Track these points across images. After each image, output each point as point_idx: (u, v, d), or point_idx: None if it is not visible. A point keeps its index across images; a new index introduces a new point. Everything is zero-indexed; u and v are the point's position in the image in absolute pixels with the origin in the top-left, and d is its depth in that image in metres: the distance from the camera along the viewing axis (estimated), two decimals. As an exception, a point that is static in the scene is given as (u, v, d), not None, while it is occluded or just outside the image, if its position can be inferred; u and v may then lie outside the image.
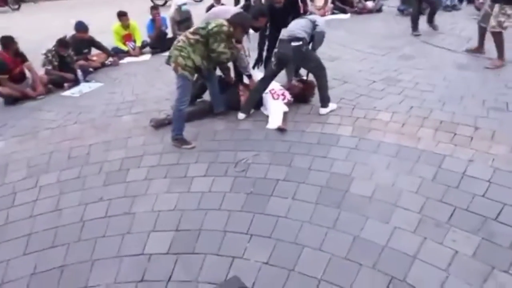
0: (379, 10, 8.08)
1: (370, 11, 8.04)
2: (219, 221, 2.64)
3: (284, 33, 3.67)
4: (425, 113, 3.60)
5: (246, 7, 5.87)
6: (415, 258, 2.18)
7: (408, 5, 7.50)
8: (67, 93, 5.09)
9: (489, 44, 4.86)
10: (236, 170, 3.13)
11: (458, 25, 6.25)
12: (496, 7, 4.42)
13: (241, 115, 3.86)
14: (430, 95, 3.95)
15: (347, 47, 5.77)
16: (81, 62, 5.69)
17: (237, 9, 4.42)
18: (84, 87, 5.22)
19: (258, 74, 4.17)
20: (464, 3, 7.69)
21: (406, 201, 2.59)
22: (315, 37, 3.68)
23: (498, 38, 4.51)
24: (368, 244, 2.31)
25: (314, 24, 3.67)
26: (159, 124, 3.85)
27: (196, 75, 3.66)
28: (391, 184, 2.76)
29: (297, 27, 3.62)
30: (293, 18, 3.94)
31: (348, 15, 8.06)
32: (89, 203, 2.94)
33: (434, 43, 5.69)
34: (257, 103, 3.95)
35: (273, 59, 3.76)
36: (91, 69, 5.78)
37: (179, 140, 3.50)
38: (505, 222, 2.29)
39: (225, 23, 3.42)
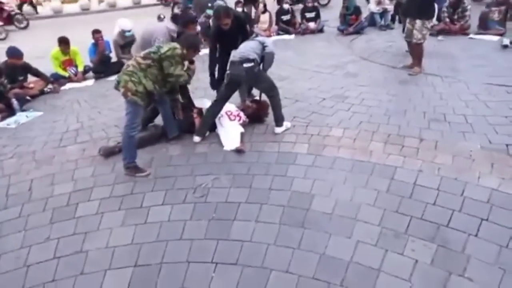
0: (321, 30, 8.50)
1: (312, 32, 8.42)
2: (181, 252, 2.52)
3: (235, 55, 3.69)
4: (373, 127, 3.79)
5: (174, 17, 5.93)
6: (379, 271, 2.23)
7: (346, 25, 8.00)
8: (1, 124, 4.65)
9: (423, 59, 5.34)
10: (195, 196, 3.03)
11: (395, 43, 6.75)
12: (418, 22, 4.99)
13: (196, 138, 3.79)
14: (376, 110, 4.18)
15: (294, 66, 5.96)
16: (16, 90, 5.26)
17: (164, 25, 4.38)
18: (20, 117, 4.82)
19: (206, 101, 4.15)
20: (397, 22, 8.35)
21: (365, 214, 2.66)
22: (265, 57, 3.75)
23: (420, 49, 5.19)
24: (334, 261, 2.34)
25: (263, 45, 3.75)
26: (108, 153, 3.64)
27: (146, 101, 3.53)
28: (350, 198, 2.83)
29: (247, 48, 3.67)
30: (242, 40, 3.99)
31: (292, 36, 8.38)
32: (33, 244, 2.66)
33: (374, 60, 6.08)
34: (212, 125, 3.91)
35: (225, 81, 3.76)
36: (28, 98, 5.35)
37: (132, 168, 3.33)
38: (456, 227, 2.44)
39: (177, 45, 3.38)
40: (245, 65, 3.52)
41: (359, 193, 2.86)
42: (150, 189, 3.15)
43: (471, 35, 6.95)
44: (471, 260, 2.21)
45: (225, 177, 3.21)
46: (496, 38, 6.53)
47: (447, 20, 7.17)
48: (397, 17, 8.33)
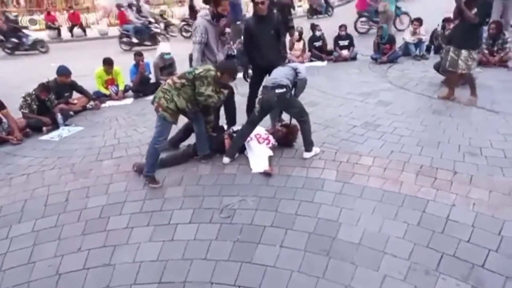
0: (354, 58, 8.51)
1: (345, 59, 8.46)
2: (205, 271, 2.55)
3: (268, 81, 3.79)
4: (405, 157, 3.71)
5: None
6: (408, 308, 2.14)
7: (380, 54, 7.99)
8: (45, 137, 4.96)
9: (457, 90, 5.22)
10: (222, 216, 3.07)
11: (428, 73, 6.64)
12: (464, 52, 4.88)
13: (226, 160, 3.86)
14: (409, 139, 4.10)
15: (326, 93, 5.99)
16: (62, 105, 5.62)
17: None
18: (63, 131, 5.12)
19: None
20: (432, 52, 8.24)
21: (394, 247, 2.58)
22: (298, 84, 3.83)
23: (470, 78, 5.06)
24: (360, 294, 2.27)
25: (296, 72, 3.83)
26: (142, 169, 3.76)
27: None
28: (378, 229, 2.76)
29: (280, 74, 3.76)
30: (278, 40, 4.23)
31: (325, 63, 8.44)
32: (66, 254, 2.78)
33: (408, 89, 6.00)
34: (241, 147, 3.97)
35: (257, 105, 3.84)
36: (71, 113, 5.70)
37: (148, 178, 3.52)
38: (492, 269, 2.32)
39: (212, 68, 3.55)
40: (277, 90, 3.60)
41: (388, 225, 2.79)
42: (178, 207, 3.22)
43: (510, 67, 6.74)
44: (508, 305, 2.09)
45: (252, 199, 3.23)
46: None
47: (486, 51, 7.00)
48: (432, 48, 8.23)
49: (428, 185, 3.20)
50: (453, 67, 5.07)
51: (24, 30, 13.92)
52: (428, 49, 8.24)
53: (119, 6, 14.41)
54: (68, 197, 3.44)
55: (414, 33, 8.15)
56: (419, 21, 8.25)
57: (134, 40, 11.89)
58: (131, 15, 12.98)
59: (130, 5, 13.46)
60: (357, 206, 3.03)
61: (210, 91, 3.47)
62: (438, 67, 6.25)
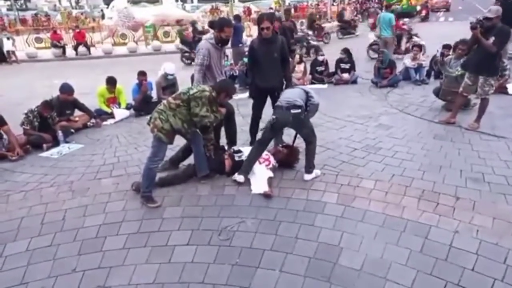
0: (354, 81, 8.61)
1: (346, 82, 8.55)
2: (202, 296, 2.47)
3: (281, 100, 3.79)
4: (406, 181, 3.68)
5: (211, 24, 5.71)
6: None
7: (380, 78, 8.09)
8: (45, 154, 4.94)
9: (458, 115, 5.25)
10: (220, 238, 3.02)
11: (429, 98, 6.69)
12: (481, 78, 4.90)
13: (240, 177, 3.77)
14: (410, 163, 4.08)
15: (326, 115, 6.01)
16: (63, 123, 5.63)
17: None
18: (63, 148, 5.11)
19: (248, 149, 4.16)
20: (432, 78, 8.34)
21: (397, 274, 2.53)
22: (310, 108, 3.85)
23: (484, 104, 5.03)
24: (362, 323, 2.20)
25: (308, 95, 3.85)
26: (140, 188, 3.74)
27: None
28: (380, 255, 2.71)
29: (294, 95, 3.78)
30: (283, 66, 4.31)
31: (325, 85, 8.53)
32: (60, 275, 2.71)
33: (409, 113, 6.03)
34: (237, 167, 3.94)
35: (267, 124, 3.83)
36: (72, 130, 5.70)
37: (146, 198, 3.50)
38: (498, 298, 2.25)
39: (207, 88, 3.59)
40: (292, 111, 3.63)
41: (390, 251, 2.74)
42: (176, 228, 3.17)
43: (510, 92, 6.80)
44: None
45: (251, 221, 3.18)
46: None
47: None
48: (432, 73, 8.33)
49: (430, 210, 3.16)
50: (466, 92, 5.10)
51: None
52: (428, 74, 8.34)
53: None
54: (65, 216, 3.39)
55: (414, 58, 8.28)
56: (419, 47, 8.40)
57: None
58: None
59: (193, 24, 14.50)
60: (359, 231, 2.98)
61: (204, 112, 3.49)
62: (437, 93, 6.31)
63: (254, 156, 3.87)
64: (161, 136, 3.41)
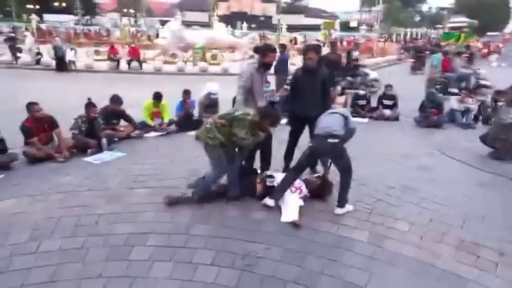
0: (396, 118, 8.42)
1: (387, 119, 8.38)
2: (219, 320, 2.43)
3: (319, 129, 3.77)
4: (444, 228, 3.48)
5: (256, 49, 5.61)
6: None
7: (425, 116, 7.83)
8: (89, 159, 5.21)
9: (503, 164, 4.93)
10: (244, 262, 2.98)
11: (474, 143, 6.37)
12: None
13: (270, 202, 3.76)
14: (449, 210, 3.86)
15: (365, 150, 5.88)
16: (108, 131, 5.93)
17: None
18: (106, 155, 5.36)
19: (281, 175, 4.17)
20: (479, 123, 7.98)
21: (427, 327, 2.35)
22: (347, 132, 3.80)
23: None
24: None
25: (346, 120, 3.82)
26: (172, 202, 3.81)
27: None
28: (410, 304, 2.54)
29: (333, 123, 3.73)
30: (323, 99, 4.35)
31: (366, 119, 8.40)
32: (85, 278, 2.78)
33: (452, 156, 5.76)
34: (268, 192, 3.91)
35: (306, 151, 3.82)
36: (116, 139, 5.99)
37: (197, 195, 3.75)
38: None
39: (251, 112, 3.68)
40: (330, 140, 3.60)
41: (421, 300, 2.57)
42: (202, 246, 3.18)
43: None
44: None
45: (277, 250, 3.12)
46: None
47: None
48: (480, 117, 7.98)
49: (470, 263, 2.95)
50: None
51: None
52: (475, 119, 8.00)
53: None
54: (98, 220, 3.51)
55: (461, 101, 7.99)
56: (468, 90, 8.11)
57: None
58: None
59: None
60: (389, 275, 2.83)
61: (244, 134, 3.59)
62: (485, 139, 5.99)
63: (288, 183, 3.84)
64: (215, 146, 3.63)
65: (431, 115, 7.84)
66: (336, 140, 3.60)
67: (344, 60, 11.51)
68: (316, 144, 3.70)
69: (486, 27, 47.40)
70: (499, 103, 6.14)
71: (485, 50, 26.42)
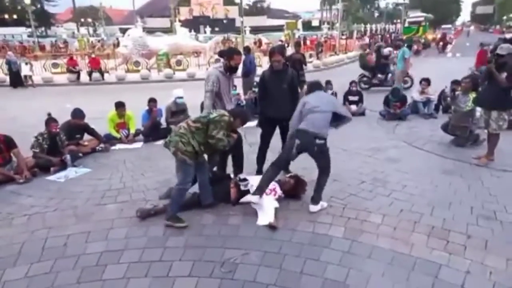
0: (362, 113, 8.64)
1: (353, 114, 8.56)
2: (201, 332, 2.37)
3: (307, 124, 3.73)
4: (415, 217, 3.59)
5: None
6: None
7: (389, 109, 8.09)
8: (52, 177, 4.96)
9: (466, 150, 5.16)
10: (223, 270, 2.94)
11: (437, 132, 6.65)
12: (494, 113, 4.93)
13: (254, 198, 3.72)
14: (419, 199, 4.00)
15: (334, 146, 5.95)
16: (72, 147, 5.68)
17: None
18: (70, 172, 5.13)
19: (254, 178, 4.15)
20: (440, 112, 8.33)
21: (406, 316, 2.40)
22: (342, 120, 4.03)
23: (496, 139, 5.04)
24: None
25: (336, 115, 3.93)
26: (145, 215, 3.70)
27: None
28: (388, 295, 2.59)
29: (320, 126, 3.71)
30: (292, 100, 4.36)
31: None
32: (56, 304, 2.63)
33: (417, 147, 5.98)
34: (242, 197, 3.89)
35: (294, 150, 3.80)
36: (80, 154, 5.75)
37: (174, 219, 3.53)
38: None
39: (226, 113, 3.66)
40: (317, 141, 3.65)
41: (398, 290, 2.62)
42: (178, 258, 3.10)
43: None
44: None
45: (255, 254, 3.10)
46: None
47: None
48: (440, 107, 8.34)
49: (440, 248, 3.05)
50: (487, 127, 5.15)
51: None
52: (436, 108, 8.35)
53: None
54: (67, 242, 3.35)
55: (422, 92, 8.32)
56: (427, 81, 8.45)
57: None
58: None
59: None
60: (366, 268, 2.88)
61: (221, 135, 3.56)
62: (446, 128, 6.27)
63: (270, 177, 3.84)
64: (185, 159, 3.48)
65: (395, 108, 8.10)
66: (322, 142, 3.68)
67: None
68: (303, 139, 3.70)
69: (439, 21, 49.90)
70: (457, 92, 6.41)
71: (442, 42, 27.91)
